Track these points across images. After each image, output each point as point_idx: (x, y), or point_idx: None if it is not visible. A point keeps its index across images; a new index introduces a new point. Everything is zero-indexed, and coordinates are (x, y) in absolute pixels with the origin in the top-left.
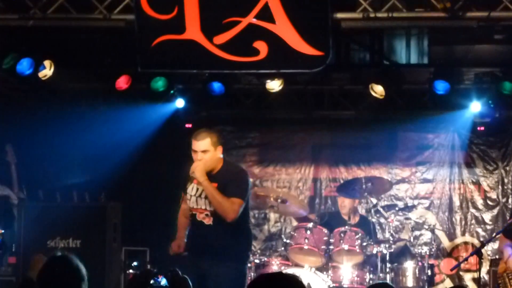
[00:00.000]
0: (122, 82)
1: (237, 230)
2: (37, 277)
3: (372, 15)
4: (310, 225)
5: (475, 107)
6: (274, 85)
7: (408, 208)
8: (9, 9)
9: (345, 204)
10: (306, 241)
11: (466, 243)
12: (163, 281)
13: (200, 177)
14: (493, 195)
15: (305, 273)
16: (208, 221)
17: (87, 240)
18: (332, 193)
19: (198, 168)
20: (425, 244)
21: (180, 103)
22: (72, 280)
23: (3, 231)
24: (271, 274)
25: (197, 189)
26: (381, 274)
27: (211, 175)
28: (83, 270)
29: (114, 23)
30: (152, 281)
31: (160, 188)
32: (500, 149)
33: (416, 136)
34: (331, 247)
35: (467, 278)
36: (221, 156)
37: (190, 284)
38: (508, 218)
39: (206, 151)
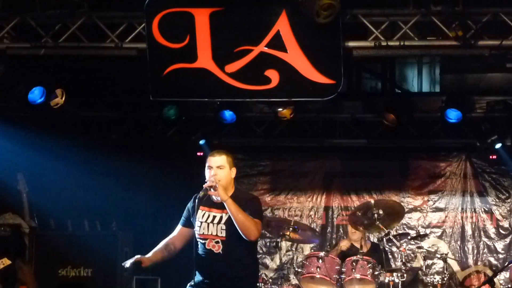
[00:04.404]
0: None
1: (247, 260)
2: None
3: (384, 43)
4: (322, 254)
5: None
6: (286, 114)
7: (420, 237)
8: (21, 38)
9: (355, 231)
10: (318, 270)
11: (478, 272)
12: None
13: (223, 195)
14: (505, 224)
15: None
16: (217, 249)
17: (99, 269)
18: (344, 222)
19: (220, 187)
20: (438, 273)
21: (202, 141)
22: None
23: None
24: None
25: (209, 215)
26: None
27: None
28: None
29: (126, 51)
30: None
31: (172, 218)
32: None
33: (428, 165)
34: (343, 276)
35: None
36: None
37: None
38: None
39: (221, 167)
